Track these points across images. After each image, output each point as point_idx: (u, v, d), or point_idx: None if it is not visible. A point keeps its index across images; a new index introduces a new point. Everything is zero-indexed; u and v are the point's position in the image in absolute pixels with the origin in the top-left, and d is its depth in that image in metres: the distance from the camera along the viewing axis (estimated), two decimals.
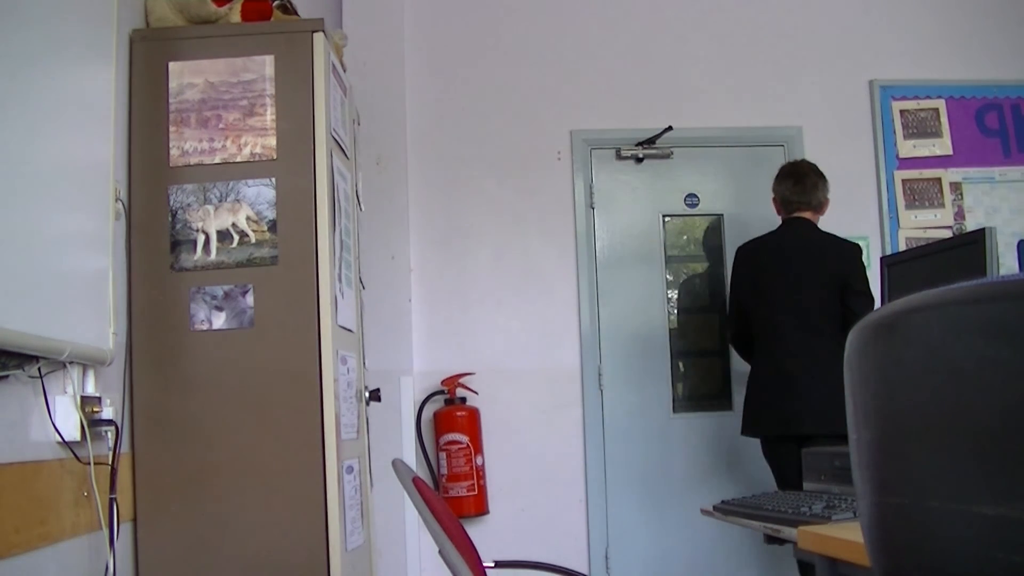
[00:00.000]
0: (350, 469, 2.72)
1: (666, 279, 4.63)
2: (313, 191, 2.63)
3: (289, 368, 2.58)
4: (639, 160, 4.64)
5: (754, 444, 3.99)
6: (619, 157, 4.65)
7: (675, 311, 4.66)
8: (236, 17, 2.76)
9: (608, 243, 4.64)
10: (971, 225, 4.64)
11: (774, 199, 3.96)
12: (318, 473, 2.55)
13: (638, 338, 4.55)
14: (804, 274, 3.74)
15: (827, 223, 4.83)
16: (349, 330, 2.89)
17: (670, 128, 4.56)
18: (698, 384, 4.65)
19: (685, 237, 4.75)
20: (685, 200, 4.65)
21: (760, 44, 4.78)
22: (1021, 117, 4.79)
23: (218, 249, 2.60)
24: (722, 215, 4.67)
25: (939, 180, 4.73)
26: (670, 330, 4.61)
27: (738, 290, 3.97)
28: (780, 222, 3.91)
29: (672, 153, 4.63)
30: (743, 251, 3.97)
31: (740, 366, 4.49)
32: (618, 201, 4.65)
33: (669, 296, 4.63)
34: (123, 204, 2.53)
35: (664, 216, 4.66)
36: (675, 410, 4.55)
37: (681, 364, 4.63)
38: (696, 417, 4.55)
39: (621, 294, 4.59)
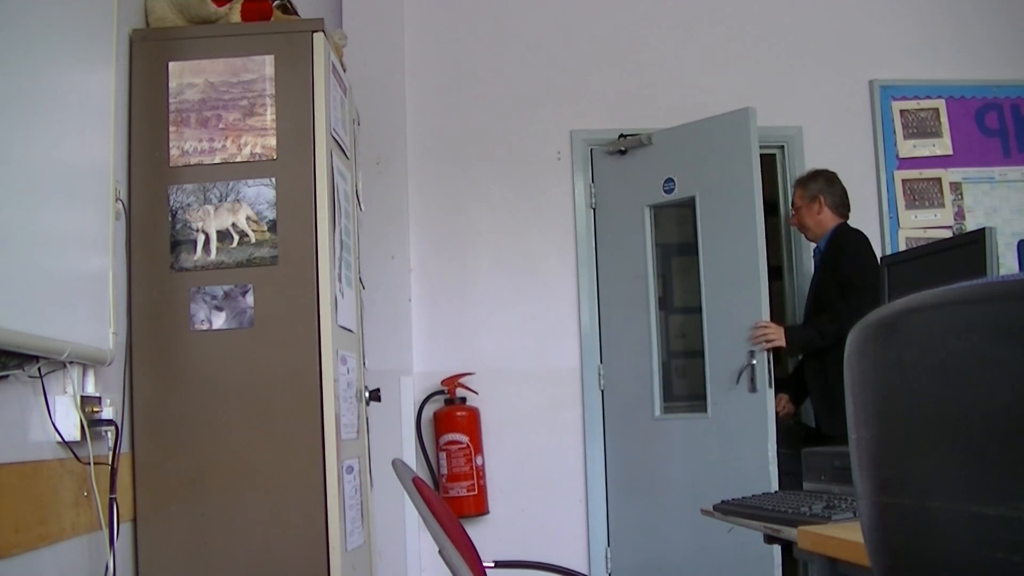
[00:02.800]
0: (350, 469, 2.72)
1: (655, 274, 4.53)
2: (313, 191, 2.63)
3: (289, 368, 2.58)
4: (622, 152, 4.60)
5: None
6: (609, 154, 4.63)
7: (668, 308, 4.64)
8: (236, 17, 2.76)
9: (609, 241, 4.62)
10: (971, 225, 4.64)
11: (822, 203, 4.08)
12: (318, 473, 2.55)
13: (637, 337, 4.53)
14: None
15: None
16: (349, 330, 2.89)
17: None
18: (698, 384, 4.64)
19: (670, 227, 4.68)
20: (663, 187, 4.48)
21: (760, 44, 4.78)
22: (1021, 117, 4.79)
23: (218, 249, 2.60)
24: (695, 196, 4.38)
25: (939, 180, 4.72)
26: (668, 328, 4.60)
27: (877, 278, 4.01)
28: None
29: (651, 139, 4.49)
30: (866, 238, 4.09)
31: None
32: (614, 198, 4.63)
33: (660, 292, 4.59)
34: (123, 204, 2.53)
35: (648, 207, 4.53)
36: (675, 410, 4.53)
37: (682, 364, 4.62)
38: (697, 417, 4.53)
39: (619, 292, 4.58)
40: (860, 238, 4.05)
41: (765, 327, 3.99)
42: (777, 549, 3.87)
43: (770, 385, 4.03)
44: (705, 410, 4.29)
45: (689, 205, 4.43)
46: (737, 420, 4.14)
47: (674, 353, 4.65)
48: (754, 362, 4.05)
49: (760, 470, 3.96)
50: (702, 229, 4.34)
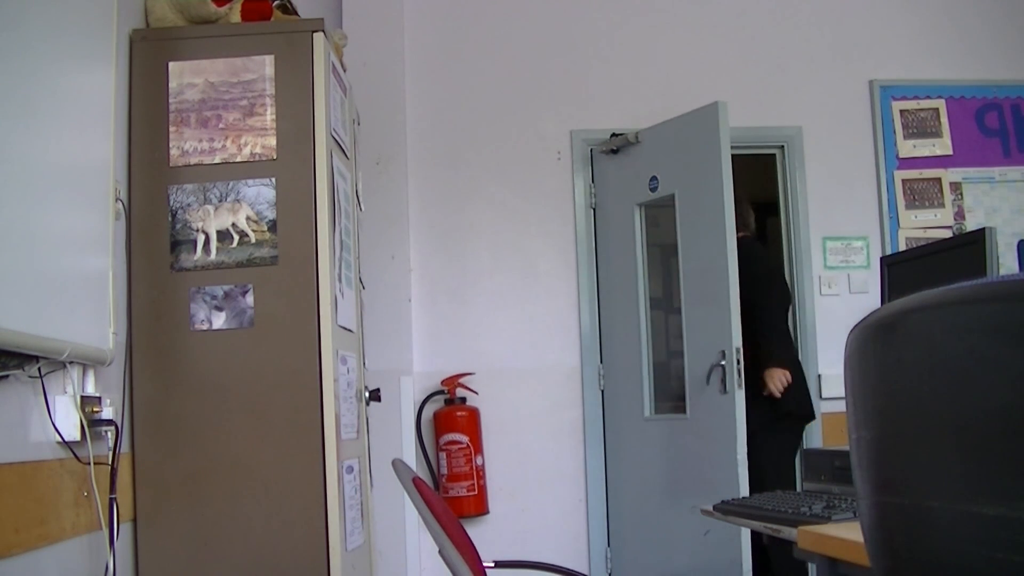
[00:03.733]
0: (350, 469, 2.72)
1: (645, 274, 4.51)
2: (313, 191, 2.63)
3: (289, 368, 2.58)
4: (615, 151, 4.59)
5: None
6: (603, 153, 4.62)
7: (667, 308, 4.63)
8: (236, 17, 2.75)
9: (608, 241, 4.62)
10: (971, 225, 4.64)
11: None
12: (318, 473, 2.55)
13: (633, 337, 4.53)
14: None
15: (828, 223, 4.82)
16: (349, 330, 2.89)
17: None
18: (682, 385, 4.63)
19: (670, 226, 4.68)
20: (649, 185, 4.44)
21: (760, 44, 4.78)
22: (1021, 117, 4.79)
23: (218, 249, 2.60)
24: (675, 194, 4.32)
25: (939, 180, 4.73)
26: (668, 329, 4.60)
27: (778, 272, 4.30)
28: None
29: (638, 137, 4.46)
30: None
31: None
32: (611, 197, 4.62)
33: (660, 292, 4.59)
34: (123, 204, 2.53)
35: (637, 205, 4.51)
36: (665, 411, 4.51)
37: (677, 364, 4.61)
38: (678, 418, 4.48)
39: (618, 292, 4.58)
40: (751, 245, 4.23)
41: (772, 380, 4.14)
42: (747, 543, 3.89)
43: (739, 386, 3.94)
44: (685, 411, 4.25)
45: (672, 203, 4.36)
46: (711, 421, 4.08)
47: (673, 353, 4.65)
48: (723, 363, 3.99)
49: (730, 473, 3.88)
50: (681, 227, 4.28)
